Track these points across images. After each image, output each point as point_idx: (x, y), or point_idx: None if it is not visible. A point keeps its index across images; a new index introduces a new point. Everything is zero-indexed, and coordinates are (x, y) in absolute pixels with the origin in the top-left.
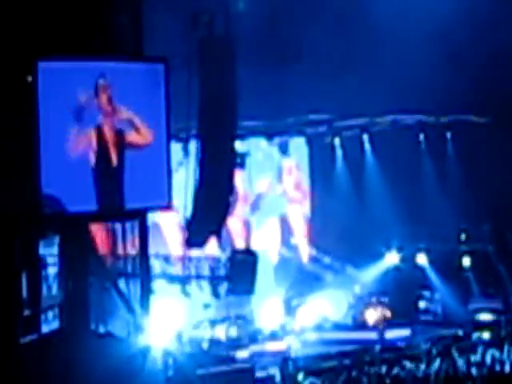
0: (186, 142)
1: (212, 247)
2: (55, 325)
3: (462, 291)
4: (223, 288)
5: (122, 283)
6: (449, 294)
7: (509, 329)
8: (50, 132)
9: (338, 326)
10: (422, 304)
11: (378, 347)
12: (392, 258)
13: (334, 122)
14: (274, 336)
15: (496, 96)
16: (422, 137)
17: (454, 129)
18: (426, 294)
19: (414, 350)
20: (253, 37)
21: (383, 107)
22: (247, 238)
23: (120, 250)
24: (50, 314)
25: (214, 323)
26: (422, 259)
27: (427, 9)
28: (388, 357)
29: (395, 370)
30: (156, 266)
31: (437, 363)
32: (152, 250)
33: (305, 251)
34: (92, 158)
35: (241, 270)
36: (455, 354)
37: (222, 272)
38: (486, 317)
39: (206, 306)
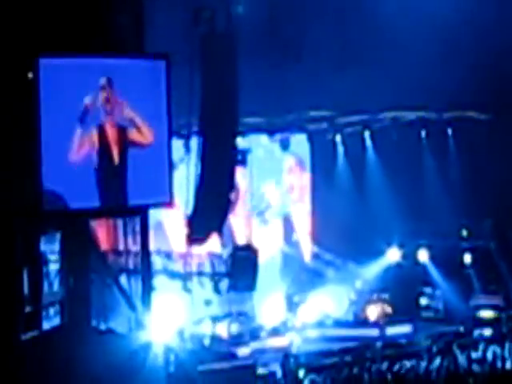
0: (187, 138)
1: (213, 244)
2: (56, 321)
3: (464, 288)
4: (224, 284)
5: (123, 280)
6: (450, 291)
7: (510, 325)
8: (52, 128)
9: (340, 323)
10: (423, 301)
11: (379, 344)
12: (393, 255)
13: (336, 119)
14: (275, 332)
15: (497, 93)
16: (423, 133)
17: (456, 125)
18: (428, 290)
19: (416, 347)
20: (254, 33)
21: (385, 104)
22: (249, 235)
23: (121, 247)
24: (51, 311)
25: (215, 320)
26: (423, 256)
27: (428, 5)
28: (389, 353)
29: (396, 367)
30: (157, 262)
31: (438, 360)
32: (155, 247)
33: (307, 248)
34: (94, 156)
35: (242, 267)
36: (456, 351)
37: (223, 268)
38: (487, 313)
39: (208, 303)
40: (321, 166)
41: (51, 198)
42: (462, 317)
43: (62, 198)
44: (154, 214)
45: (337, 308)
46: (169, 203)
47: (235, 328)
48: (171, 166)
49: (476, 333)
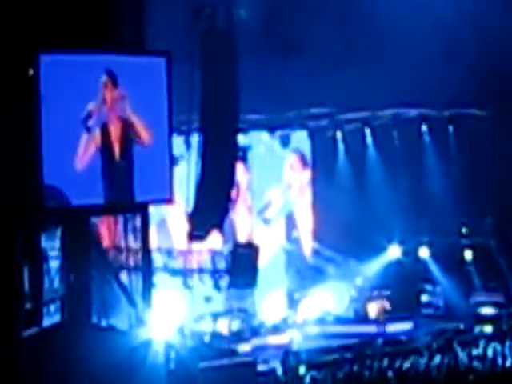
0: (187, 135)
1: (214, 240)
2: (57, 318)
3: (464, 285)
4: (225, 281)
5: (123, 276)
6: (451, 288)
7: (510, 322)
8: (54, 125)
9: (340, 320)
10: (423, 297)
11: (379, 341)
12: (394, 252)
13: (336, 116)
14: (275, 329)
15: (498, 89)
16: (423, 130)
17: (457, 122)
18: (428, 287)
19: (416, 344)
20: (254, 30)
21: (385, 101)
22: (249, 232)
23: (122, 244)
24: (52, 307)
25: (215, 316)
26: (423, 253)
27: (429, 3)
28: (390, 350)
29: (397, 364)
30: (158, 259)
31: (438, 357)
32: (159, 245)
33: (308, 245)
34: (98, 155)
35: (242, 264)
36: (457, 348)
37: (223, 265)
38: (487, 310)
39: (208, 300)
40: (321, 163)
41: (52, 194)
42: (463, 314)
43: (62, 195)
44: (158, 212)
45: (337, 305)
46: (169, 200)
47: (236, 325)
48: (172, 163)
49: (476, 330)
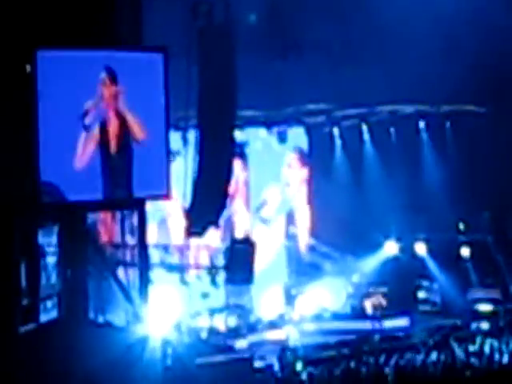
0: (185, 131)
1: (211, 236)
2: (54, 314)
3: (461, 281)
4: (221, 277)
5: (120, 272)
6: (448, 284)
7: (507, 319)
8: (52, 121)
9: (337, 316)
10: (420, 294)
11: (376, 337)
12: (391, 248)
13: (333, 112)
14: (272, 325)
15: (495, 86)
16: (421, 126)
17: (454, 118)
18: (425, 283)
19: (413, 340)
20: (252, 26)
21: (382, 97)
22: (247, 228)
23: (119, 240)
24: (49, 303)
25: (212, 313)
26: (420, 249)
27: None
28: (387, 347)
29: (394, 360)
30: (155, 255)
31: (435, 353)
32: (159, 241)
33: (304, 241)
34: (97, 151)
35: (239, 260)
36: (454, 344)
37: (220, 261)
38: (484, 307)
39: (205, 296)
40: (318, 159)
41: (49, 190)
42: (460, 310)
43: (59, 191)
44: (160, 210)
45: (334, 301)
46: (166, 196)
47: (232, 321)
48: (169, 159)
49: (473, 326)
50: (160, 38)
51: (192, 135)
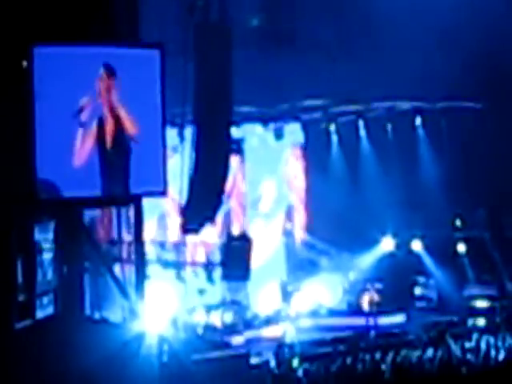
0: (181, 127)
1: (207, 233)
2: (50, 310)
3: (457, 277)
4: (218, 274)
5: (117, 269)
6: (444, 281)
7: (504, 315)
8: (49, 118)
9: (333, 312)
10: (417, 290)
11: (372, 333)
12: (387, 245)
13: (330, 108)
14: (269, 322)
15: (492, 82)
16: (417, 123)
17: (450, 115)
18: (421, 280)
19: (409, 337)
20: (248, 23)
21: (378, 93)
22: (243, 225)
23: (115, 236)
24: (45, 300)
25: (208, 309)
26: (417, 245)
27: None
28: (383, 343)
29: (390, 357)
30: (151, 251)
31: (431, 349)
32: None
33: (300, 237)
34: (95, 148)
35: (236, 256)
36: (450, 341)
37: (216, 258)
38: (481, 303)
39: (201, 292)
40: (315, 156)
41: (46, 187)
42: (456, 306)
43: (56, 188)
44: (159, 204)
45: (331, 297)
46: (162, 192)
47: (229, 317)
48: (165, 155)
49: (470, 322)
50: (156, 35)
51: (188, 132)
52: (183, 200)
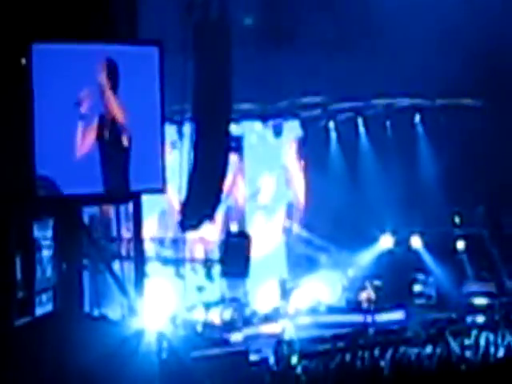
0: (180, 124)
1: (206, 230)
2: (49, 307)
3: (456, 274)
4: (217, 271)
5: (116, 266)
6: (443, 278)
7: (503, 312)
8: (49, 116)
9: (332, 309)
10: (416, 287)
11: (371, 330)
12: (386, 242)
13: (329, 105)
14: (268, 319)
15: (491, 79)
16: (416, 120)
17: (449, 112)
18: (421, 277)
19: (408, 334)
20: (247, 20)
21: (378, 90)
22: (243, 222)
23: (114, 233)
24: (44, 297)
25: (208, 306)
26: (416, 242)
27: None
28: (382, 340)
29: (389, 353)
30: (150, 248)
31: (430, 346)
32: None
33: (298, 233)
34: (95, 144)
35: (235, 253)
36: (449, 338)
37: (215, 255)
38: (480, 300)
39: (200, 289)
40: (314, 153)
41: (45, 184)
42: (455, 303)
43: (55, 184)
44: (160, 201)
45: (330, 294)
46: (161, 189)
47: (228, 314)
48: (164, 153)
49: (469, 319)
50: (155, 32)
51: (187, 129)
52: (182, 197)
